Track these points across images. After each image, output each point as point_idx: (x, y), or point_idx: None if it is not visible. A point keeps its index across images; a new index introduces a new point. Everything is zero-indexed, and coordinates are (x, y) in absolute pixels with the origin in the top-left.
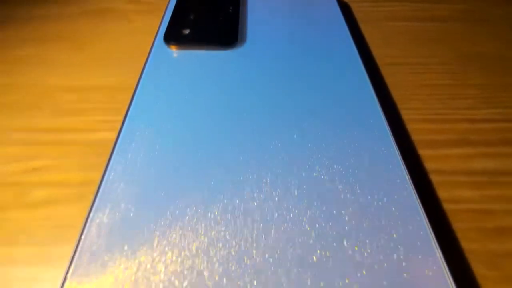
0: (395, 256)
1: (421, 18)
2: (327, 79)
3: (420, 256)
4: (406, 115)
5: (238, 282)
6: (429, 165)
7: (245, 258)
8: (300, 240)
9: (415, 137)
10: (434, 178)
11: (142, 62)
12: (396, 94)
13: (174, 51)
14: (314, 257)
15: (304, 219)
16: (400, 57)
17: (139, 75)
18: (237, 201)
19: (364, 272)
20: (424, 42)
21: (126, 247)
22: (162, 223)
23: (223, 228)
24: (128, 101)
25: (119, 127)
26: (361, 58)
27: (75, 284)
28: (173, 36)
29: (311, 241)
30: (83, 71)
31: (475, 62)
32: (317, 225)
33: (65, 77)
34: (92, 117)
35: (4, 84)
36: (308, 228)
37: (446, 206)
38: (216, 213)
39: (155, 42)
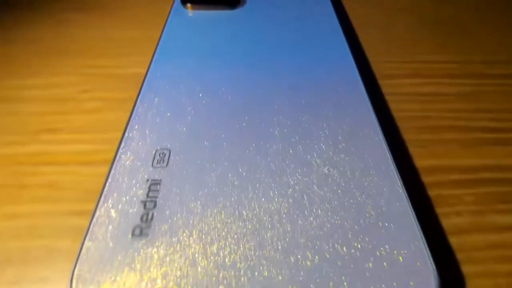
0: (346, 145)
1: None
2: (309, 32)
3: (365, 139)
4: (371, 57)
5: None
6: (385, 89)
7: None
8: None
9: (377, 71)
10: (388, 97)
11: (163, 21)
12: (365, 44)
13: (189, 11)
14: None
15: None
16: (372, 21)
17: (161, 29)
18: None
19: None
20: (394, 10)
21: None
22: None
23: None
24: (154, 48)
25: (147, 65)
26: (339, 21)
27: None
28: None
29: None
30: (115, 28)
31: (434, 24)
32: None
33: (101, 32)
34: (126, 58)
35: (66, 36)
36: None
37: (394, 114)
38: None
39: (174, 4)
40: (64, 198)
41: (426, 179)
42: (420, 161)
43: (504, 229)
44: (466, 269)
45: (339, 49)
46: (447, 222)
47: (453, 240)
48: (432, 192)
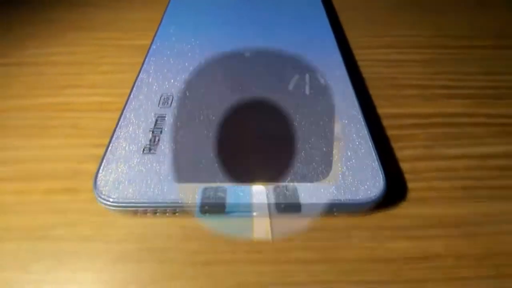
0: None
1: None
2: (297, 11)
3: (338, 92)
4: (349, 33)
5: None
6: (359, 57)
7: None
8: None
9: (353, 44)
10: (361, 63)
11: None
12: (344, 23)
13: None
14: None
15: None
16: (351, 4)
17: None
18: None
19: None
20: None
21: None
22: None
23: None
24: (157, 25)
25: (152, 38)
26: (322, 3)
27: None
28: None
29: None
30: (125, 9)
31: (407, 6)
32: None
33: (112, 13)
34: (134, 33)
35: (81, 16)
36: None
37: (365, 76)
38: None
39: None
40: (85, 135)
41: (388, 122)
42: (385, 110)
43: (450, 158)
44: (412, 184)
45: (321, 24)
46: (404, 153)
47: (407, 166)
48: (393, 132)
